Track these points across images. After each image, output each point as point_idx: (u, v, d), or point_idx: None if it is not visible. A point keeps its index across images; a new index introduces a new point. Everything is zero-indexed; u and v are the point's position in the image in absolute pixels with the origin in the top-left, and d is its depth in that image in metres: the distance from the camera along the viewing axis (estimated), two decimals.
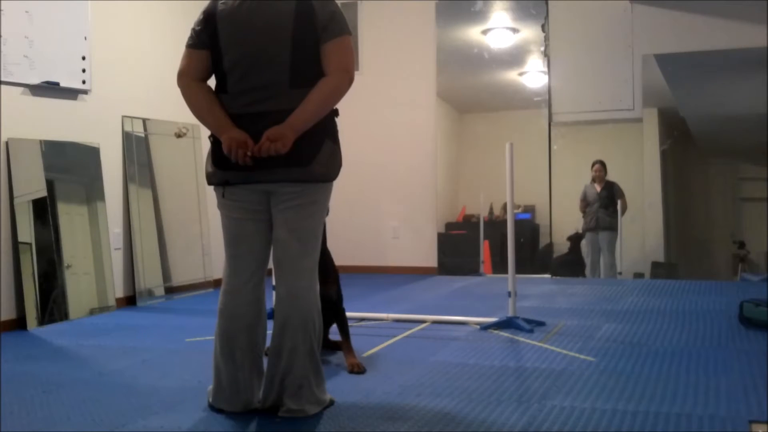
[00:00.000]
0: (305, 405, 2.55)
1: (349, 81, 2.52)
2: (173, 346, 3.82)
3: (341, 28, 2.52)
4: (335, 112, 2.60)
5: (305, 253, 2.56)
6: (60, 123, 4.76)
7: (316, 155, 2.49)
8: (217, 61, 2.57)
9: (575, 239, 6.37)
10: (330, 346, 3.59)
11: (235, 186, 2.56)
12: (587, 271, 6.34)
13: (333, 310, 3.32)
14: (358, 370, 3.09)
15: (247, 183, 2.54)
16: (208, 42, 2.57)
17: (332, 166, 2.56)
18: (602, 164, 6.36)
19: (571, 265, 6.36)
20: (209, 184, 2.62)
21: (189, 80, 2.58)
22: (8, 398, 2.91)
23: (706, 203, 6.39)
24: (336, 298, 3.35)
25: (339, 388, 2.91)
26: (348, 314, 3.98)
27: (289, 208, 2.53)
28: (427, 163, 6.73)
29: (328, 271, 3.32)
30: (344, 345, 3.28)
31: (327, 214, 2.70)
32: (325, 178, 2.55)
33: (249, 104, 2.52)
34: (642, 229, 6.23)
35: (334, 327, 3.40)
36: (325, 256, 3.29)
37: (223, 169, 2.54)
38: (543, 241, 6.44)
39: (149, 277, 5.33)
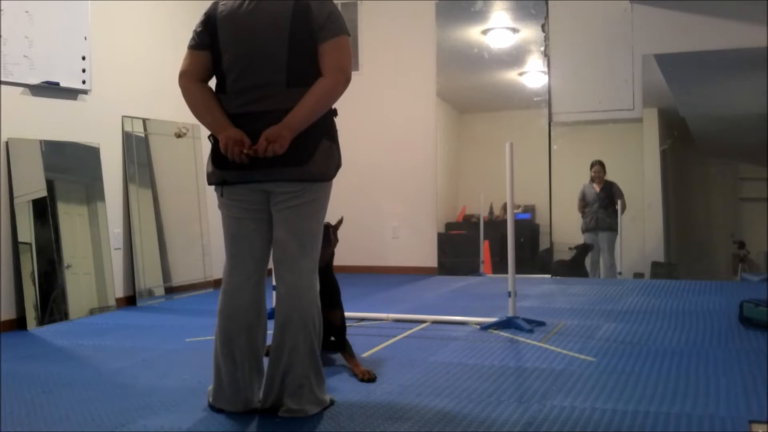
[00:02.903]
0: (305, 405, 2.55)
1: (346, 81, 2.52)
2: (173, 346, 3.82)
3: (339, 28, 2.52)
4: (333, 112, 2.60)
5: (305, 253, 2.56)
6: (60, 123, 4.76)
7: (313, 154, 2.49)
8: (217, 62, 2.59)
9: (582, 250, 6.35)
10: (330, 347, 3.60)
11: (234, 185, 2.57)
12: (588, 272, 6.35)
13: (336, 337, 3.31)
14: (369, 377, 3.03)
15: (245, 182, 2.55)
16: (209, 43, 2.59)
17: (330, 166, 2.56)
18: (601, 165, 6.36)
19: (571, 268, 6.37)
20: (209, 183, 2.64)
21: (189, 81, 2.60)
22: (8, 398, 2.91)
23: (706, 203, 6.39)
24: (340, 324, 3.31)
25: (339, 388, 2.91)
26: (348, 314, 3.99)
27: (288, 208, 2.54)
28: (427, 163, 6.73)
29: (333, 298, 3.30)
30: (350, 361, 3.22)
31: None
32: (323, 178, 2.55)
33: (247, 104, 2.53)
34: (642, 229, 6.23)
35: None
36: (331, 283, 3.28)
37: (222, 169, 2.55)
38: (543, 240, 6.43)
39: (149, 277, 5.33)
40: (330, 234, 3.27)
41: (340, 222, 3.50)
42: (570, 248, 6.39)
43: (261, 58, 2.51)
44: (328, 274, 3.27)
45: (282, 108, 2.47)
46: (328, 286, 3.19)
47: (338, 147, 2.62)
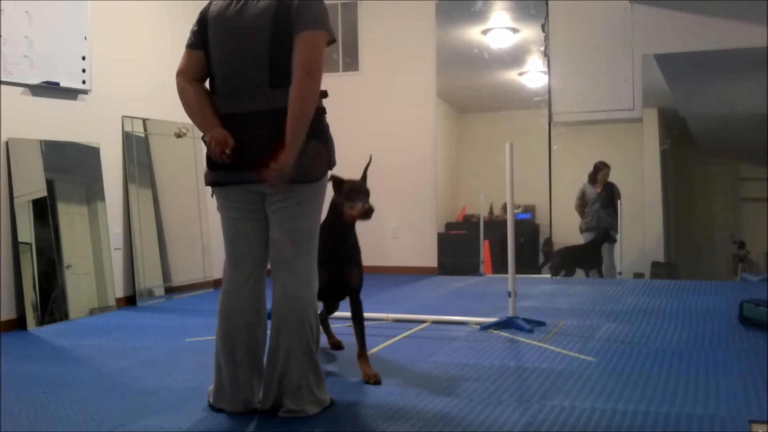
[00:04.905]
0: (305, 405, 2.55)
1: (309, 74, 2.43)
2: (173, 346, 3.82)
3: (312, 22, 2.45)
4: (321, 110, 2.57)
5: (300, 253, 2.56)
6: (60, 123, 4.76)
7: (301, 155, 2.47)
8: (210, 62, 2.60)
9: (600, 239, 6.32)
10: (336, 346, 3.57)
11: (227, 186, 2.59)
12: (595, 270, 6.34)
13: (352, 297, 3.17)
14: (374, 381, 2.99)
15: (234, 183, 2.56)
16: (202, 43, 2.60)
17: (317, 166, 2.53)
18: (609, 167, 6.33)
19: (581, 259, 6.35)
20: (205, 184, 2.67)
21: (184, 80, 2.61)
22: (8, 398, 2.91)
23: (706, 203, 6.39)
24: (356, 285, 3.17)
25: (339, 388, 2.91)
26: (348, 314, 3.98)
27: (281, 209, 2.54)
28: (427, 163, 6.72)
29: (353, 257, 3.16)
30: (360, 358, 3.12)
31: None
32: (310, 178, 2.53)
33: (234, 105, 2.54)
34: (642, 229, 6.23)
35: (339, 327, 3.38)
36: (352, 240, 3.16)
37: (214, 170, 2.57)
38: (543, 240, 6.42)
39: (149, 277, 5.33)
40: (359, 191, 3.02)
41: (367, 167, 3.22)
42: (566, 246, 6.37)
43: (245, 59, 2.52)
44: (350, 230, 3.14)
45: (267, 109, 2.48)
46: (348, 243, 3.11)
47: (329, 146, 2.58)
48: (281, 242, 2.56)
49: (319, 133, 2.55)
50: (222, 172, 2.55)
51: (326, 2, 2.57)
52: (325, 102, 2.61)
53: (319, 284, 2.69)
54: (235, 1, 2.55)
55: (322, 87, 2.52)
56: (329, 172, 2.67)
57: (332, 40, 2.53)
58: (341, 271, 3.07)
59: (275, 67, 2.48)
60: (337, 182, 3.02)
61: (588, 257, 6.31)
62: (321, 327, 3.20)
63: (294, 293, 2.55)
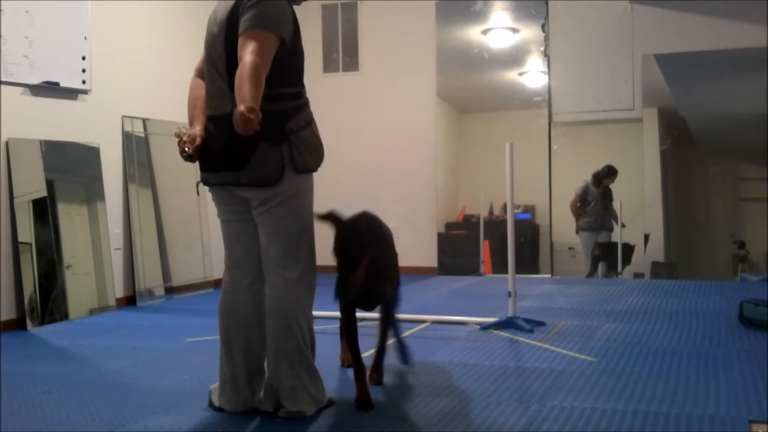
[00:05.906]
0: (302, 406, 2.56)
1: (244, 66, 2.30)
2: (173, 346, 3.82)
3: (252, 21, 2.39)
4: (278, 114, 2.45)
5: (284, 255, 2.56)
6: (60, 123, 4.76)
7: (249, 159, 2.45)
8: None
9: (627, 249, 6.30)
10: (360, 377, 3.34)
11: (216, 187, 2.63)
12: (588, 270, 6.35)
13: (383, 310, 3.06)
14: (376, 382, 2.94)
15: (206, 184, 2.65)
16: None
17: (270, 170, 2.45)
18: (617, 174, 6.32)
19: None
20: (199, 182, 2.75)
21: (194, 77, 2.70)
22: (8, 398, 2.91)
23: (706, 203, 6.39)
24: (389, 297, 3.03)
25: (339, 388, 2.91)
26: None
27: (261, 213, 2.56)
28: (426, 162, 6.72)
29: (385, 269, 2.94)
30: (375, 357, 3.04)
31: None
32: (262, 183, 2.48)
33: (211, 107, 2.59)
34: (642, 229, 6.23)
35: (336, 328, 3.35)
36: (384, 253, 2.95)
37: (202, 170, 2.65)
38: (543, 241, 6.42)
39: (149, 277, 5.33)
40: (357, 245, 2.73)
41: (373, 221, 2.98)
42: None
43: (211, 62, 2.57)
44: (383, 243, 2.93)
45: (228, 112, 2.46)
46: (383, 256, 2.88)
47: (291, 149, 2.47)
48: (266, 245, 2.58)
49: (272, 137, 2.44)
50: (206, 174, 2.62)
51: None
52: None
53: (350, 297, 2.63)
54: (220, 3, 2.59)
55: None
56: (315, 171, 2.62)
57: (281, 40, 2.42)
58: (372, 286, 2.82)
59: (231, 70, 2.46)
60: (334, 221, 2.83)
61: (624, 256, 6.26)
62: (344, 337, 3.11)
63: (280, 294, 2.56)
